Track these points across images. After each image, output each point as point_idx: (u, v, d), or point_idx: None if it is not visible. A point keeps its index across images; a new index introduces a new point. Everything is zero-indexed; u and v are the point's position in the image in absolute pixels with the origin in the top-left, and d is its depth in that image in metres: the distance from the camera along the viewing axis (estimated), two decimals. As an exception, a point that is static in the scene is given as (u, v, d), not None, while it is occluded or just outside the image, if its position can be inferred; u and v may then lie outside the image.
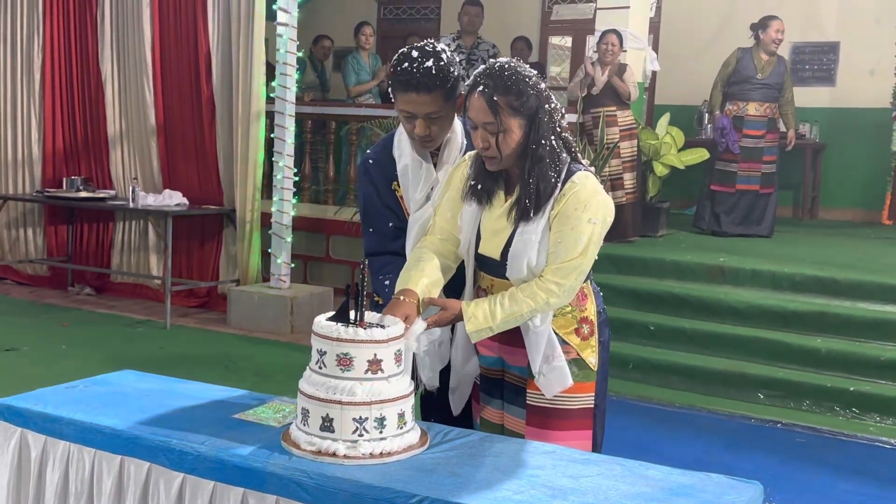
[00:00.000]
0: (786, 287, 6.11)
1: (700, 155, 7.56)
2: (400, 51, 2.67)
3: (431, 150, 2.75)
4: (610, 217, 2.50)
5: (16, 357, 6.02)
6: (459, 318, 2.47)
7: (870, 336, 5.61)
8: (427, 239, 2.66)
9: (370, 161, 2.88)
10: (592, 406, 2.63)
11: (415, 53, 2.59)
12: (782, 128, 7.93)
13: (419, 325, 2.41)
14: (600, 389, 2.65)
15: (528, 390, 2.61)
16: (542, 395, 2.58)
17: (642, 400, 5.47)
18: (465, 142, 2.77)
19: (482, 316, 2.44)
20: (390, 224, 2.85)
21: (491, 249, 2.55)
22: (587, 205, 2.43)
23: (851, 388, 5.28)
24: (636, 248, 7.05)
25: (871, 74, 9.66)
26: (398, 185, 2.81)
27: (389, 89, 2.69)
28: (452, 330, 2.73)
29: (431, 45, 2.64)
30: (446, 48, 2.66)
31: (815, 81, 10.01)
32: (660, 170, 7.62)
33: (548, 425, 2.59)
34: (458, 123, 2.76)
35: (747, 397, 5.45)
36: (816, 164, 9.83)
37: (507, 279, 2.53)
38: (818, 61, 10.01)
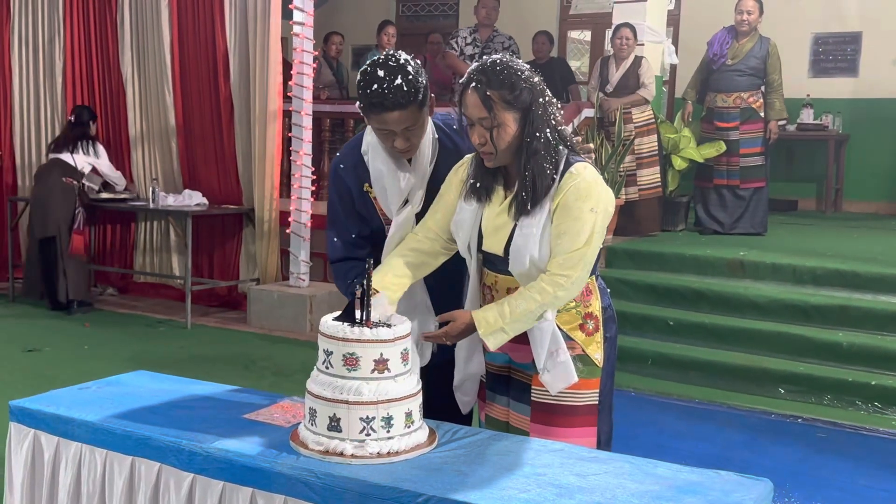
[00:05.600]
0: (807, 281, 6.05)
1: (718, 148, 7.45)
2: (363, 70, 2.62)
3: (410, 156, 2.74)
4: (611, 207, 2.49)
5: (38, 358, 6.08)
6: (471, 327, 2.46)
7: (892, 329, 5.53)
8: (409, 237, 2.69)
9: (341, 166, 2.85)
10: (597, 403, 2.62)
11: (381, 73, 2.55)
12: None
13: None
14: (606, 386, 2.64)
15: (532, 387, 2.60)
16: (547, 391, 2.57)
17: (661, 395, 5.43)
18: (436, 136, 2.78)
19: (493, 319, 2.44)
20: (353, 235, 2.86)
21: (494, 246, 2.56)
22: (588, 195, 2.43)
23: (873, 382, 5.22)
24: (655, 243, 7.02)
25: (894, 64, 9.54)
26: (370, 186, 2.80)
27: (360, 110, 2.65)
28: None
29: (394, 59, 2.60)
30: (409, 57, 2.64)
31: (837, 72, 9.90)
32: (678, 163, 7.57)
33: (552, 422, 2.58)
34: (428, 121, 2.75)
35: (768, 392, 5.40)
36: (840, 156, 9.72)
37: (511, 275, 2.53)
38: (840, 52, 9.89)
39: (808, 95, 9.57)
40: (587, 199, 2.43)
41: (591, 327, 2.59)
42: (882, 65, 9.59)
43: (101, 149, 7.73)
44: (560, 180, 2.45)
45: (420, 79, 2.60)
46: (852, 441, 4.80)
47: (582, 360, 2.57)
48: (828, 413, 5.14)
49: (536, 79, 2.48)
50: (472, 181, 2.58)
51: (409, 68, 2.59)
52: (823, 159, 9.58)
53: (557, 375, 2.52)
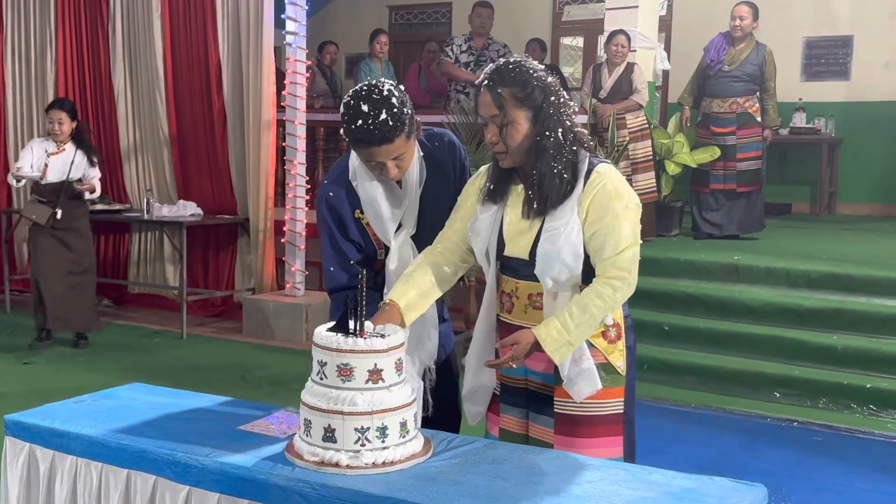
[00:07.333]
0: (801, 284, 6.06)
1: (711, 153, 7.46)
2: (346, 102, 2.55)
3: (399, 180, 2.70)
4: (640, 203, 2.48)
5: (34, 370, 6.07)
6: (536, 345, 2.40)
7: (887, 332, 5.56)
8: (428, 250, 2.65)
9: (330, 194, 2.77)
10: (622, 412, 2.57)
11: (365, 108, 2.49)
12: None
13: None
14: (629, 396, 2.58)
15: (555, 398, 2.55)
16: (570, 402, 2.52)
17: (657, 400, 5.44)
18: (421, 154, 2.74)
19: (556, 333, 2.38)
20: (351, 262, 2.78)
21: (518, 250, 2.52)
22: (619, 194, 2.42)
23: (868, 385, 5.23)
24: (650, 248, 7.02)
25: (885, 68, 9.60)
26: (361, 212, 2.76)
27: (346, 142, 2.60)
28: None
29: (377, 91, 2.53)
30: (393, 87, 2.57)
31: (829, 76, 9.95)
32: (672, 169, 7.59)
33: (577, 433, 2.52)
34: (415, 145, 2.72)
35: (763, 396, 5.42)
36: (833, 159, 9.76)
37: (534, 280, 2.48)
38: (832, 55, 9.94)
39: (801, 99, 9.61)
40: (620, 198, 2.42)
41: (613, 335, 2.55)
42: (873, 68, 9.64)
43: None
44: (586, 182, 2.43)
45: (405, 109, 2.54)
46: (848, 444, 4.81)
47: (605, 368, 2.51)
48: (823, 416, 5.15)
49: (550, 79, 2.47)
50: (488, 184, 2.56)
51: (394, 100, 2.53)
52: (816, 163, 9.63)
53: (582, 382, 2.47)
